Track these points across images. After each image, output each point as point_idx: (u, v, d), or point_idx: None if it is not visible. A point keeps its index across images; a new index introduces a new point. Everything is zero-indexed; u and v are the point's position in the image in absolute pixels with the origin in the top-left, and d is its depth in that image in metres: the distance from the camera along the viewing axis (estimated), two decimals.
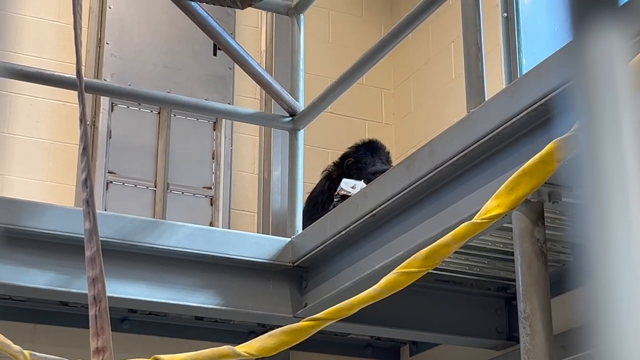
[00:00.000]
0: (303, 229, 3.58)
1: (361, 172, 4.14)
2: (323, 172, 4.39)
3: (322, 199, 4.21)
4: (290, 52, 3.88)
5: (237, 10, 4.94)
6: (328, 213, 3.47)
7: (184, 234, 3.40)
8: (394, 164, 4.30)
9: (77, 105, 2.10)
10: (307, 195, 4.28)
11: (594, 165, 0.53)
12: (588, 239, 0.53)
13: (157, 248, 3.34)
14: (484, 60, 2.77)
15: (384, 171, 3.71)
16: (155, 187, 4.63)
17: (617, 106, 0.54)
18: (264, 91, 4.46)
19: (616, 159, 0.54)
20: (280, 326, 2.14)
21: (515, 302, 2.48)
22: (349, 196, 3.62)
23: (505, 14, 4.53)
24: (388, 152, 4.34)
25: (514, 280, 2.37)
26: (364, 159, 4.21)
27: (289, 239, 3.56)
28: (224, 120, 4.81)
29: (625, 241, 0.53)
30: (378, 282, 2.12)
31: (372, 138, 4.43)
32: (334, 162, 4.39)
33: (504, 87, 3.97)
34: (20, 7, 4.67)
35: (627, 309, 0.53)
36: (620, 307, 0.53)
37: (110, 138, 4.59)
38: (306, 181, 3.84)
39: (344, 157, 4.30)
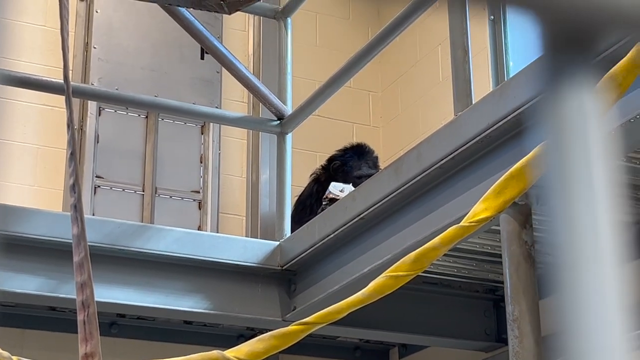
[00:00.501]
0: (292, 233, 3.58)
1: (347, 175, 4.15)
2: (311, 175, 4.39)
3: (311, 203, 4.21)
4: (278, 56, 3.87)
5: (225, 14, 4.94)
6: (316, 216, 3.47)
7: (173, 238, 3.39)
8: (381, 167, 4.31)
9: (65, 110, 2.10)
10: (296, 198, 4.28)
11: (563, 179, 0.56)
12: (558, 248, 0.56)
13: (145, 252, 3.33)
14: (471, 63, 2.78)
15: (370, 175, 3.74)
16: (143, 191, 4.62)
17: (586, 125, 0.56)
18: (251, 95, 4.46)
19: (584, 174, 0.56)
20: (269, 330, 2.14)
21: (504, 304, 2.49)
22: (338, 199, 3.63)
23: (492, 17, 4.54)
24: (376, 157, 4.35)
25: (502, 283, 2.37)
26: (350, 162, 4.22)
27: (278, 243, 3.56)
28: (211, 124, 4.80)
29: (593, 249, 0.56)
30: (367, 285, 2.12)
31: (360, 142, 4.44)
32: (322, 165, 4.39)
33: (491, 90, 3.98)
34: (7, 12, 4.65)
35: (594, 316, 0.56)
36: (589, 314, 0.56)
37: (97, 142, 4.58)
38: (294, 184, 3.84)
39: (330, 160, 4.31)
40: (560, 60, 0.55)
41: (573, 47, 0.55)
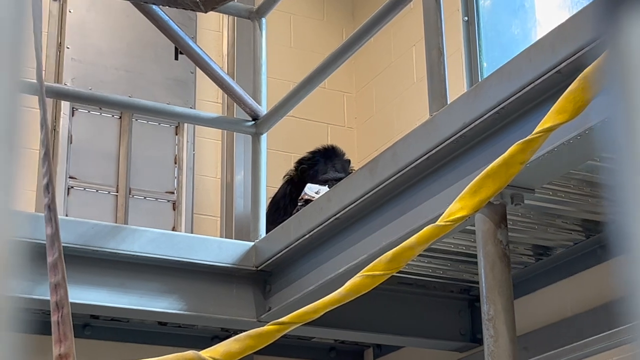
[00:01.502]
0: (266, 233, 3.57)
1: (313, 179, 4.18)
2: (285, 176, 4.39)
3: (285, 203, 4.21)
4: (252, 56, 3.86)
5: (199, 14, 4.92)
6: (292, 217, 3.47)
7: (147, 239, 3.37)
8: (354, 169, 4.31)
9: (38, 110, 2.08)
10: (270, 199, 4.27)
11: (630, 128, 0.51)
12: (623, 208, 0.51)
13: (119, 253, 3.32)
14: (445, 64, 2.78)
15: (338, 179, 3.79)
16: (117, 192, 4.59)
17: None
18: (226, 95, 4.44)
19: None
20: (245, 331, 2.13)
21: (479, 304, 2.49)
22: (313, 201, 3.62)
23: (466, 18, 4.56)
24: (347, 160, 4.36)
25: (477, 283, 2.38)
26: (317, 165, 4.24)
27: (253, 243, 3.55)
28: (186, 124, 4.78)
29: None
30: (343, 285, 2.11)
31: (331, 144, 4.45)
32: (295, 166, 4.39)
33: (465, 90, 3.99)
34: None
35: None
36: None
37: (71, 143, 4.54)
38: (269, 185, 3.83)
39: (300, 162, 4.33)
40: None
41: None
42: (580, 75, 1.84)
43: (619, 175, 0.51)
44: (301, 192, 4.14)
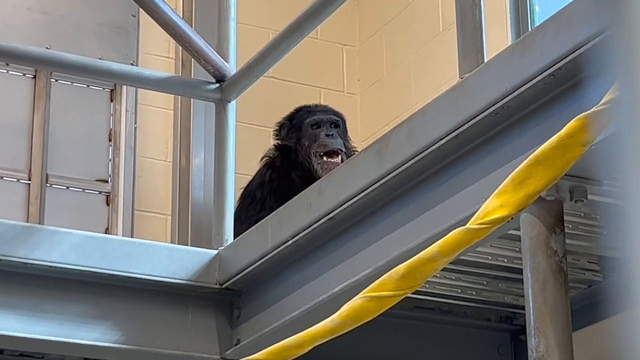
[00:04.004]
0: (235, 237, 3.58)
1: (299, 130, 4.27)
2: (262, 158, 4.40)
3: (262, 195, 4.23)
4: None
5: None
6: (271, 214, 3.48)
7: (70, 245, 3.38)
8: (358, 149, 4.32)
9: None
10: (242, 190, 4.28)
11: (636, 148, 0.54)
12: (629, 248, 0.54)
13: (32, 264, 3.32)
14: (482, 7, 2.79)
15: (331, 122, 4.13)
16: (30, 179, 4.59)
17: None
18: (180, 47, 4.44)
19: None
20: None
21: (524, 336, 2.51)
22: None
23: None
24: (334, 111, 4.46)
25: (523, 308, 2.39)
26: (297, 114, 4.35)
27: (216, 252, 3.56)
28: (124, 87, 4.78)
29: None
30: (338, 310, 2.13)
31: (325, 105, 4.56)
32: (274, 145, 4.41)
33: (509, 43, 4.00)
34: None
35: None
36: None
37: None
38: (239, 171, 3.84)
39: (279, 128, 4.41)
40: None
41: None
42: None
43: None
44: (285, 178, 4.16)
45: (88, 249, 3.41)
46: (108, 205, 4.69)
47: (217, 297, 3.55)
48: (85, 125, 4.74)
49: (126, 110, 4.81)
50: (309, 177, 4.10)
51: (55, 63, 3.94)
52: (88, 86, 4.76)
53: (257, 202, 4.19)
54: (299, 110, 4.43)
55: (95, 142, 4.75)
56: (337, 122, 4.34)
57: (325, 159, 4.23)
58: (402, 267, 2.10)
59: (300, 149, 4.25)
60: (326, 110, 4.44)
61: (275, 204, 3.93)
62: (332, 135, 4.28)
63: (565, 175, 2.10)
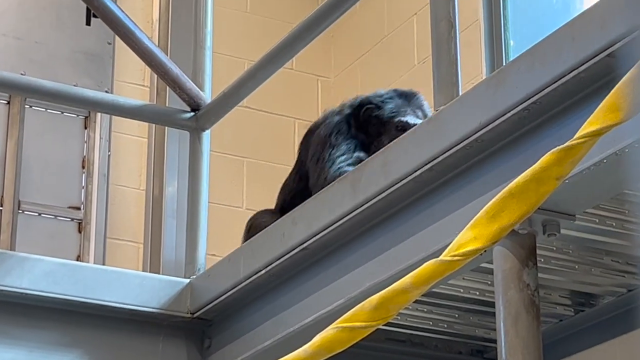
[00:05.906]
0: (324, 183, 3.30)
1: (383, 125, 3.63)
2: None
3: (348, 128, 3.71)
4: (194, 23, 3.87)
5: None
6: (244, 244, 3.47)
7: (41, 272, 3.36)
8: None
9: None
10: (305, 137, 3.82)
11: None
12: None
13: (2, 290, 3.31)
14: (458, 41, 2.80)
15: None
16: (2, 205, 4.57)
17: None
18: (156, 76, 4.44)
19: None
20: None
21: None
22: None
23: None
24: (427, 106, 3.75)
25: (495, 341, 2.39)
26: (389, 104, 3.69)
27: (188, 281, 3.55)
28: (99, 115, 4.77)
29: None
30: (310, 340, 2.12)
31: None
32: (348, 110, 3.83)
33: (484, 77, 4.01)
34: None
35: None
36: None
37: None
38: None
39: (361, 106, 3.74)
40: None
41: None
42: (639, 61, 1.86)
43: None
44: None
45: (59, 276, 3.39)
46: (80, 232, 4.68)
47: (188, 326, 3.54)
48: (58, 152, 4.73)
49: (100, 138, 4.80)
50: None
51: (29, 89, 3.93)
52: (62, 113, 4.75)
53: (345, 135, 3.67)
54: (391, 99, 3.70)
55: (69, 169, 4.74)
56: None
57: None
58: (375, 298, 2.09)
59: (377, 145, 3.53)
60: (417, 112, 3.82)
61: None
62: None
63: (539, 209, 2.10)
